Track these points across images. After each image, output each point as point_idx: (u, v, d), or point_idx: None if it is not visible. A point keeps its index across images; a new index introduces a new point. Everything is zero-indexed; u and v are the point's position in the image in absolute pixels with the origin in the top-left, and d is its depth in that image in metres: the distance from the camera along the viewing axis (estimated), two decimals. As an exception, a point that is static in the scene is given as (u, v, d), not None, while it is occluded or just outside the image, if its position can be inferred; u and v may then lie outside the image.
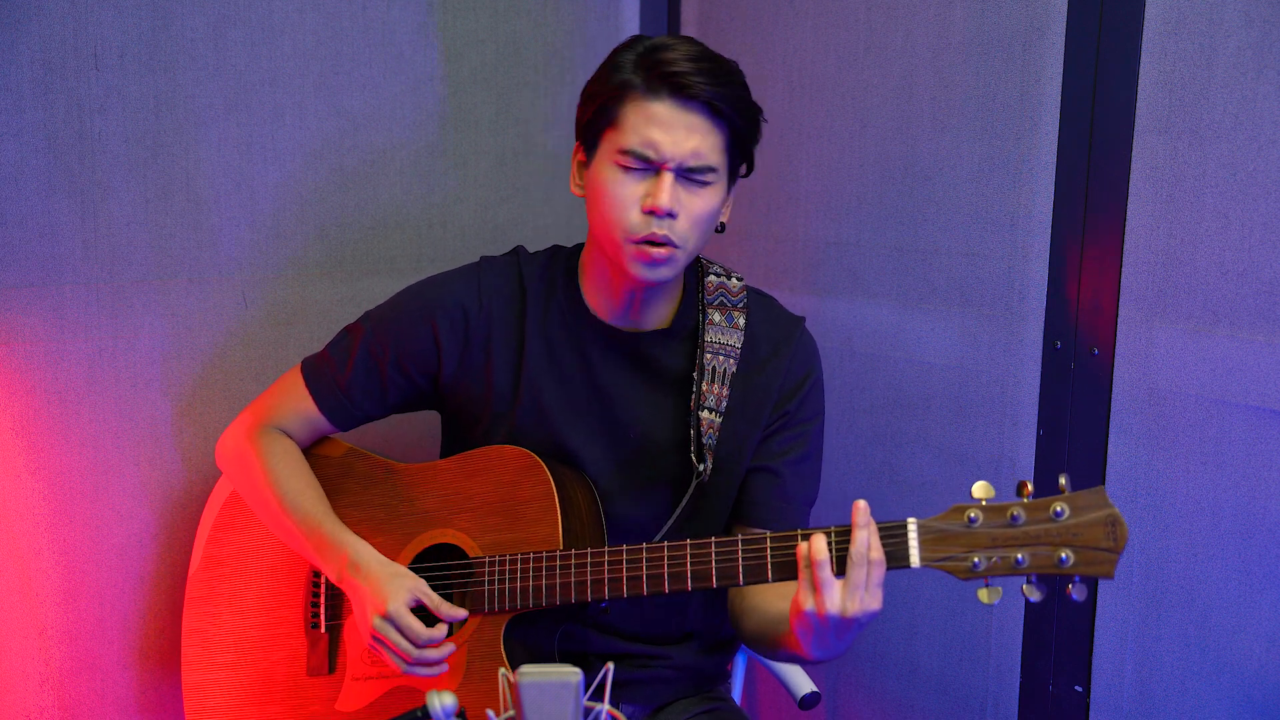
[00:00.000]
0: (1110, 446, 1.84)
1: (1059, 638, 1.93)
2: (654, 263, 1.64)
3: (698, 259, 1.82)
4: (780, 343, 1.79)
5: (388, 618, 1.65)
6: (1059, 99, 1.86)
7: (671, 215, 1.62)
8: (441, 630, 1.67)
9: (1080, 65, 1.83)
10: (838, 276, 2.22)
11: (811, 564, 1.45)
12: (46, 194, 1.94)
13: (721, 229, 1.74)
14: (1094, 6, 1.81)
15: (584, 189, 1.71)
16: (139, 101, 1.99)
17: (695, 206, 1.64)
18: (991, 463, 2.00)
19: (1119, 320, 1.82)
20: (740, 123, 1.65)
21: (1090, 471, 1.86)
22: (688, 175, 1.63)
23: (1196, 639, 1.78)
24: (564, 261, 1.82)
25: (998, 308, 1.98)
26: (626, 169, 1.64)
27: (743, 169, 1.73)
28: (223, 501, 1.94)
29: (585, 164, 1.71)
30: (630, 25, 2.49)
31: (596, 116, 1.68)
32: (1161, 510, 1.80)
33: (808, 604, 1.46)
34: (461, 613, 1.68)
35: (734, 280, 1.81)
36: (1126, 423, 1.82)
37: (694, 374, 1.75)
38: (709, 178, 1.64)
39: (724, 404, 1.75)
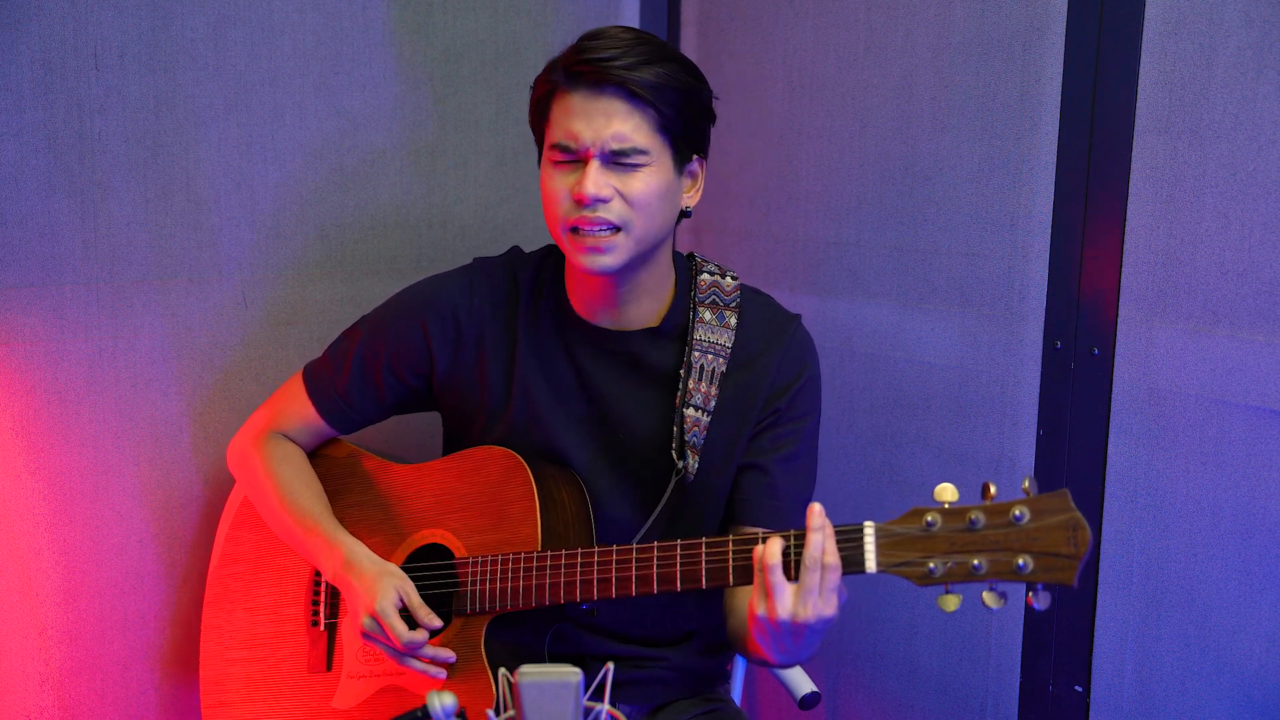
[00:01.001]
0: (1110, 446, 1.84)
1: (1059, 638, 1.93)
2: (594, 250, 1.64)
3: (692, 257, 1.82)
4: (772, 339, 1.76)
5: (375, 616, 1.66)
6: (1059, 99, 1.86)
7: (601, 200, 1.61)
8: (423, 634, 1.67)
9: (1080, 65, 1.83)
10: (838, 276, 2.22)
11: (764, 568, 1.43)
12: (46, 194, 1.94)
13: (687, 213, 1.73)
14: (1094, 6, 1.81)
15: None
16: (139, 101, 1.99)
17: (632, 188, 1.62)
18: (991, 463, 2.00)
19: (1119, 320, 1.82)
20: (665, 105, 1.62)
21: (1090, 471, 1.86)
22: (616, 160, 1.62)
23: (1196, 639, 1.78)
24: (554, 263, 1.82)
25: (998, 308, 1.98)
26: (557, 163, 1.65)
27: (696, 155, 1.70)
28: (240, 501, 1.96)
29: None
30: (630, 25, 2.49)
31: (535, 118, 1.70)
32: (1161, 510, 1.80)
33: (760, 608, 1.44)
34: (436, 622, 1.68)
35: (728, 279, 1.79)
36: (1126, 423, 1.82)
37: (680, 371, 1.75)
38: (639, 159, 1.62)
39: (713, 403, 1.73)
